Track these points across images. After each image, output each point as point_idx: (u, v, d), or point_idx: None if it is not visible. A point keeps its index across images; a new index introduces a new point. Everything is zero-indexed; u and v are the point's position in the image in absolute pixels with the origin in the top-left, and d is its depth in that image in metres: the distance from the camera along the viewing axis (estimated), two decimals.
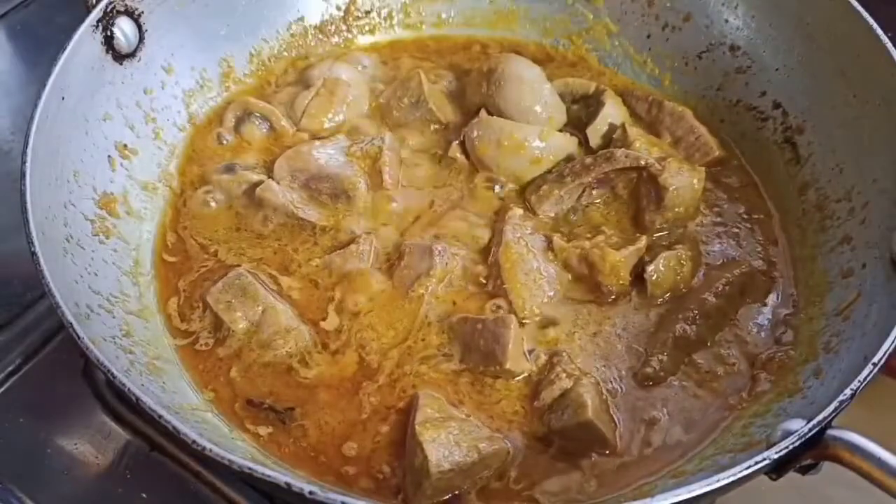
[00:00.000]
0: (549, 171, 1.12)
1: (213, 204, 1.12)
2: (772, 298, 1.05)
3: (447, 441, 0.87)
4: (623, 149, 1.10)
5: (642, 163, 1.07)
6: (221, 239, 1.09)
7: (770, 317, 1.03)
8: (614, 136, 1.15)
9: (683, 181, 1.07)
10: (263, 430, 0.93)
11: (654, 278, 1.02)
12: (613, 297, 1.03)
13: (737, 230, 1.11)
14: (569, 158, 1.13)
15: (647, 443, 0.93)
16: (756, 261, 1.08)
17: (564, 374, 0.94)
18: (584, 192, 1.11)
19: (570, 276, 1.04)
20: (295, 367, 0.98)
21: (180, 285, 1.04)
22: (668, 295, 1.04)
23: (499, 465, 0.89)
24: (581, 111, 1.21)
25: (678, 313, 1.00)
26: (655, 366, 0.97)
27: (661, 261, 1.03)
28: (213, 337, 1.00)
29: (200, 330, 1.01)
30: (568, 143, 1.14)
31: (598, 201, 1.12)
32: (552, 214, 1.11)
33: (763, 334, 1.01)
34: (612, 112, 1.17)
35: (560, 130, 1.17)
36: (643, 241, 1.04)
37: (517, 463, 0.91)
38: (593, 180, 1.09)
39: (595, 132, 1.16)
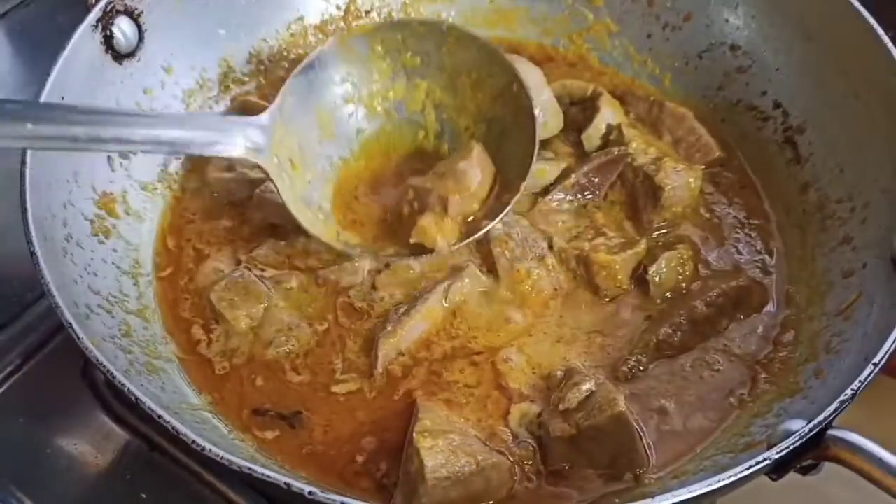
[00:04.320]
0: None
1: (211, 205, 1.12)
2: (767, 309, 1.03)
3: (445, 449, 0.85)
4: (604, 149, 1.11)
5: (616, 152, 1.08)
6: (216, 241, 1.09)
7: (761, 331, 1.01)
8: (611, 137, 1.15)
9: (680, 180, 1.07)
10: (271, 435, 0.93)
11: (656, 279, 1.02)
12: (608, 299, 1.03)
13: (736, 235, 1.11)
14: (564, 175, 1.13)
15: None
16: (753, 270, 1.07)
17: (585, 379, 0.93)
18: (578, 194, 1.11)
19: (570, 277, 1.04)
20: (297, 369, 0.98)
21: (184, 315, 1.03)
22: (669, 294, 1.03)
23: (502, 484, 0.87)
24: (579, 114, 1.20)
25: (666, 317, 1.00)
26: (633, 364, 0.97)
27: (664, 261, 1.03)
28: (224, 348, 0.99)
29: (217, 353, 0.99)
30: (553, 169, 1.13)
31: (597, 202, 1.12)
32: (549, 217, 1.10)
33: (753, 346, 1.00)
34: (608, 116, 1.17)
35: (557, 134, 1.17)
36: (643, 245, 1.04)
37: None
38: (576, 184, 1.10)
39: (590, 138, 1.16)
